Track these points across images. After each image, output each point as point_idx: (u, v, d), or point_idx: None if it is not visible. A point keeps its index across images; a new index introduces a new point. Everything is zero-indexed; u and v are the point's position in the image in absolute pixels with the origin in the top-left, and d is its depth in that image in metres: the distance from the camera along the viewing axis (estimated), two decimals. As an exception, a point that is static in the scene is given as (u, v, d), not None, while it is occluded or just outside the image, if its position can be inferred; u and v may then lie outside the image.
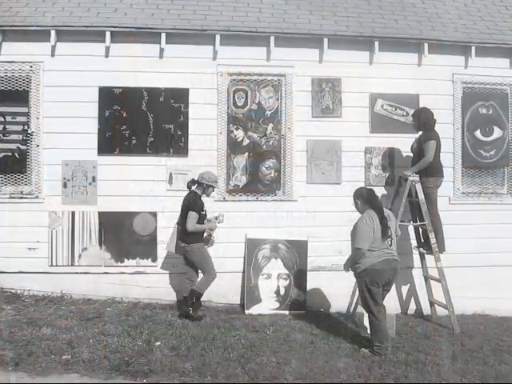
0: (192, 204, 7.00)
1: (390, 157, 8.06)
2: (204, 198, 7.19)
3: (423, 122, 7.55)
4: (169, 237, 7.57)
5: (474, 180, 8.35)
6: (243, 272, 7.64)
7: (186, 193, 7.20)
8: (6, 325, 6.30)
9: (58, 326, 6.39)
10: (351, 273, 6.39)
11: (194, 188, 7.14)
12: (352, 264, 6.29)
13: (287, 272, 7.70)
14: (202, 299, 7.16)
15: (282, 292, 7.66)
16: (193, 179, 7.20)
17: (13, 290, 7.43)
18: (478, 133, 8.25)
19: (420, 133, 7.63)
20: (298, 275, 7.71)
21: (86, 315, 6.86)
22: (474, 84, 8.27)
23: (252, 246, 7.56)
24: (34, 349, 5.66)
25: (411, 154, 7.76)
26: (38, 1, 7.69)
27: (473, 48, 8.04)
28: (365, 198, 6.32)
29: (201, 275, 7.17)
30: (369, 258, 6.08)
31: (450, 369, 5.88)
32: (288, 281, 7.69)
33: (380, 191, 7.97)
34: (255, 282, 7.62)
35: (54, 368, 5.29)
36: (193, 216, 6.92)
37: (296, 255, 7.72)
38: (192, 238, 7.02)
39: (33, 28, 7.39)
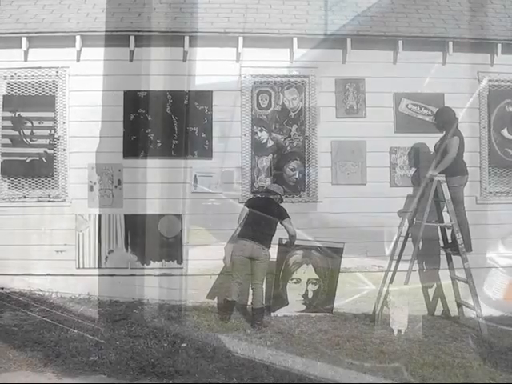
0: (285, 212, 7.12)
1: (416, 157, 7.99)
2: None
3: (445, 121, 7.50)
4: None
5: (501, 179, 8.23)
6: (271, 274, 7.56)
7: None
8: (35, 326, 6.40)
9: (85, 327, 6.45)
10: (380, 274, 6.21)
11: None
12: None
13: (317, 277, 7.49)
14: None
15: (311, 295, 7.50)
16: (270, 189, 7.39)
17: (41, 292, 7.54)
18: (505, 131, 8.12)
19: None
20: (329, 279, 7.50)
21: (112, 317, 6.92)
22: (500, 82, 8.14)
23: (284, 250, 7.39)
24: (61, 350, 5.73)
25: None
26: (63, 7, 7.79)
27: (499, 45, 7.93)
28: None
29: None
30: None
31: (478, 371, 5.80)
32: (318, 285, 7.49)
33: (406, 192, 7.94)
34: (283, 287, 7.45)
35: (82, 369, 5.33)
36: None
37: (329, 261, 7.46)
38: (271, 243, 7.13)
39: (58, 34, 7.49)
